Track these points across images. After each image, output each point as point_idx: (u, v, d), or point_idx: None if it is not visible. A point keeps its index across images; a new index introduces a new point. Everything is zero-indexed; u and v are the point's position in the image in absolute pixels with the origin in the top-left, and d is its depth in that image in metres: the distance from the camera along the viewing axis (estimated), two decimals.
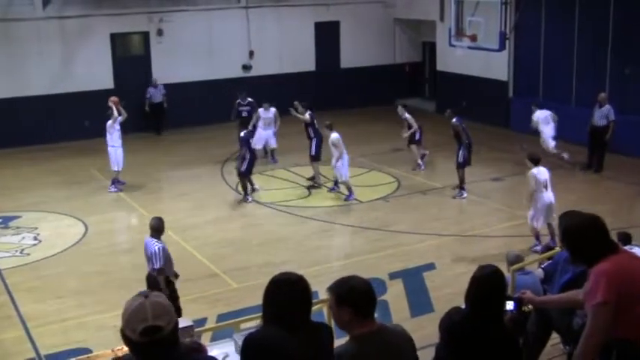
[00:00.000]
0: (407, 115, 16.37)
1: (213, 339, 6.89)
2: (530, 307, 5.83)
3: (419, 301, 9.85)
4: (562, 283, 6.46)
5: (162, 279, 8.49)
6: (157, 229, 8.61)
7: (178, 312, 8.07)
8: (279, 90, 18.85)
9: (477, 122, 18.55)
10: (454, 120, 14.31)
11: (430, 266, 11.11)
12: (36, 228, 13.30)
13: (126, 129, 15.93)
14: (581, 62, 18.41)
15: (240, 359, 3.92)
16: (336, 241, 13.10)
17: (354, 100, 22.80)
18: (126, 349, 3.03)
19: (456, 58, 19.87)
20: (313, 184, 15.43)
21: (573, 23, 18.37)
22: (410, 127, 16.34)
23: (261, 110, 17.09)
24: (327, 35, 22.95)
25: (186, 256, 11.43)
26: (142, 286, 8.42)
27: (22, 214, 14.01)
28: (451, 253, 11.75)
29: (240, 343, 5.07)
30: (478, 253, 11.57)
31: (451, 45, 18.53)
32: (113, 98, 15.45)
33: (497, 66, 20.09)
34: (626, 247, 6.82)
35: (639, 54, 17.11)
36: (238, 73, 21.74)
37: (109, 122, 15.02)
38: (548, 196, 11.25)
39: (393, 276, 10.68)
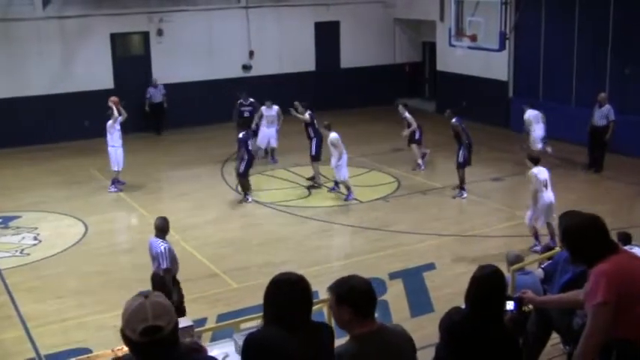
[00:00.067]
0: (407, 114, 16.39)
1: (213, 339, 6.89)
2: (530, 307, 5.84)
3: (419, 301, 9.84)
4: (562, 283, 6.46)
5: (170, 279, 8.50)
6: (162, 229, 8.61)
7: (183, 312, 8.09)
8: (279, 90, 18.85)
9: (477, 122, 18.55)
10: (454, 120, 14.31)
11: (430, 266, 11.11)
12: (36, 228, 13.30)
13: (126, 129, 15.93)
14: (581, 62, 18.41)
15: (240, 359, 3.92)
16: (336, 241, 13.11)
17: (354, 100, 22.80)
18: (126, 349, 3.02)
19: (456, 58, 19.87)
20: (313, 184, 15.43)
21: (573, 23, 18.37)
22: (409, 125, 16.36)
23: (263, 108, 17.13)
24: (327, 35, 22.95)
25: (186, 256, 11.41)
26: (142, 286, 8.39)
27: (22, 214, 14.01)
28: (451, 253, 11.76)
29: (240, 343, 5.08)
30: (478, 253, 11.57)
31: (451, 45, 18.53)
32: (113, 98, 15.45)
33: (497, 66, 20.10)
34: (626, 247, 6.82)
35: (639, 54, 17.11)
36: (238, 73, 21.74)
37: (110, 122, 15.02)
38: (549, 195, 11.25)
39: (393, 276, 10.68)
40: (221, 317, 9.22)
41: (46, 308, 9.99)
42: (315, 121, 15.44)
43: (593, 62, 18.07)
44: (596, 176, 15.74)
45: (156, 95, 20.31)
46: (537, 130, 16.08)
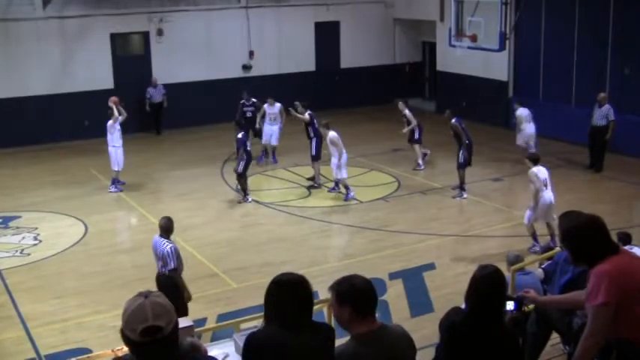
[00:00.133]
0: (406, 111, 16.41)
1: (213, 339, 6.89)
2: (530, 306, 5.84)
3: (419, 301, 9.84)
4: (562, 284, 6.46)
5: (180, 278, 8.54)
6: (167, 228, 8.62)
7: (185, 312, 8.11)
8: (279, 90, 18.85)
9: (477, 122, 18.55)
10: (453, 120, 14.31)
11: (430, 266, 11.11)
12: (36, 228, 13.30)
13: (126, 129, 15.92)
14: (581, 62, 18.41)
15: (241, 358, 3.92)
16: (336, 241, 13.11)
17: (354, 100, 22.80)
18: (126, 349, 3.02)
19: (455, 58, 19.86)
20: (313, 184, 15.43)
21: (573, 23, 18.37)
22: (409, 123, 16.37)
23: (266, 106, 17.17)
24: (327, 35, 22.95)
25: (186, 256, 11.34)
26: (143, 286, 8.36)
27: (22, 214, 14.01)
28: (451, 253, 11.76)
29: (240, 343, 5.08)
30: (478, 253, 11.57)
31: (451, 45, 18.52)
32: (113, 98, 15.44)
33: (497, 66, 20.10)
34: (626, 247, 6.82)
35: (639, 54, 17.11)
36: (238, 73, 21.74)
37: (110, 122, 15.01)
38: (548, 195, 11.25)
39: (393, 276, 10.67)
40: (221, 317, 9.21)
41: (46, 308, 9.98)
42: (315, 121, 15.44)
43: (593, 62, 18.07)
44: (596, 176, 15.75)
45: (156, 95, 20.31)
46: (529, 128, 16.31)
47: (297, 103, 16.00)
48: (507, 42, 17.65)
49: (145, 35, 20.70)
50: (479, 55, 18.88)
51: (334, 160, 14.27)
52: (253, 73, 21.84)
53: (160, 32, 20.61)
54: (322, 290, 6.80)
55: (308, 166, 15.82)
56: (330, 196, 14.84)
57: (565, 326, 6.10)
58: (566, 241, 4.56)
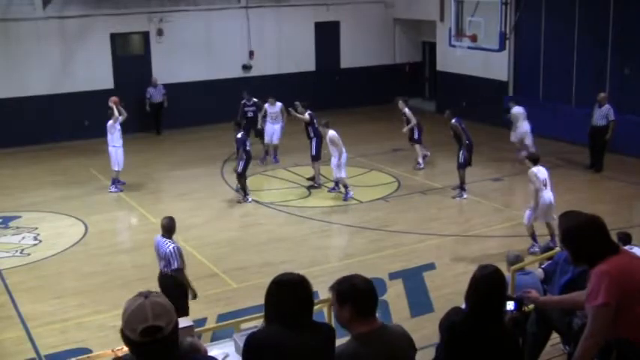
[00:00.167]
0: (406, 110, 16.42)
1: (213, 339, 6.89)
2: (530, 306, 5.84)
3: (419, 301, 9.84)
4: (562, 284, 6.46)
5: (185, 277, 8.58)
6: (169, 228, 8.64)
7: (186, 312, 8.12)
8: (279, 90, 18.85)
9: (477, 122, 18.55)
10: (453, 121, 14.31)
11: (430, 266, 11.11)
12: (36, 228, 13.30)
13: (126, 129, 15.91)
14: (581, 62, 18.41)
15: (242, 358, 3.92)
16: (336, 241, 13.11)
17: (354, 100, 22.81)
18: (126, 349, 3.02)
19: (455, 58, 19.86)
20: (313, 184, 15.43)
21: (573, 23, 18.37)
22: (408, 122, 16.38)
23: (267, 105, 17.20)
24: (327, 35, 22.95)
25: (186, 256, 11.32)
26: (143, 286, 8.35)
27: (22, 214, 14.01)
28: (451, 253, 11.76)
29: (240, 343, 5.08)
30: (478, 253, 11.57)
31: (451, 45, 18.53)
32: (113, 98, 15.44)
33: (497, 66, 20.09)
34: (626, 247, 6.82)
35: (639, 54, 17.11)
36: (238, 73, 21.74)
37: (110, 122, 15.01)
38: (548, 195, 11.24)
39: (393, 276, 10.67)
40: (221, 317, 9.22)
41: (46, 308, 9.98)
42: (315, 121, 15.44)
43: (593, 62, 18.07)
44: (596, 176, 15.75)
45: (156, 95, 20.31)
46: (524, 126, 16.57)
47: (297, 103, 16.00)
48: (507, 42, 17.66)
49: (145, 35, 20.70)
50: (479, 55, 18.88)
51: (334, 160, 14.27)
52: (253, 73, 21.84)
53: (159, 32, 20.61)
54: (322, 290, 6.80)
55: (308, 166, 15.83)
56: (330, 196, 14.83)
57: (565, 326, 6.10)
58: (566, 241, 4.56)
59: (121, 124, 15.19)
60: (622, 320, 4.29)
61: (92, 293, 10.42)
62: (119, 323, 2.97)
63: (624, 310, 4.27)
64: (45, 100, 19.38)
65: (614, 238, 5.76)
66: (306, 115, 15.49)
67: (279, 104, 17.13)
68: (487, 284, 4.27)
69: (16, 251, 12.22)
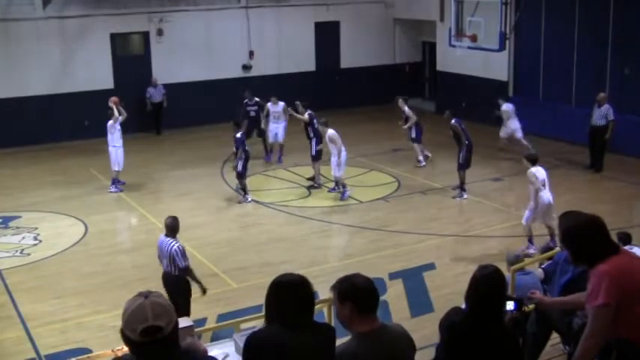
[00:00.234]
0: (406, 108, 16.43)
1: (213, 339, 6.89)
2: (530, 306, 5.84)
3: (419, 301, 9.84)
4: (562, 284, 6.46)
5: (194, 274, 8.67)
6: (173, 228, 8.67)
7: (188, 312, 8.13)
8: (279, 90, 18.86)
9: (477, 122, 18.55)
10: (453, 121, 14.30)
11: (430, 266, 11.11)
12: (36, 228, 13.30)
13: (126, 129, 15.91)
14: (581, 62, 18.41)
15: (242, 358, 3.93)
16: (336, 241, 13.11)
17: (354, 100, 22.81)
18: (126, 349, 3.02)
19: (455, 58, 19.85)
20: (313, 184, 15.43)
21: (573, 23, 18.36)
22: (407, 120, 16.40)
23: (269, 104, 17.25)
24: (327, 35, 22.95)
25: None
26: (143, 286, 8.36)
27: (22, 214, 14.01)
28: (451, 253, 11.76)
29: (240, 343, 5.08)
30: (478, 253, 11.56)
31: (451, 45, 18.52)
32: (113, 98, 15.44)
33: (497, 66, 20.09)
34: (626, 247, 6.82)
35: (639, 54, 17.11)
36: (238, 73, 21.74)
37: (110, 122, 15.01)
38: (547, 195, 11.23)
39: (393, 276, 10.67)
40: (221, 317, 9.22)
41: (46, 308, 9.98)
42: (315, 121, 15.44)
43: (593, 62, 18.07)
44: (596, 176, 15.74)
45: (156, 95, 20.31)
46: (513, 123, 17.09)
47: (297, 103, 16.01)
48: (507, 42, 17.65)
49: (145, 35, 20.70)
50: (479, 55, 18.88)
51: (334, 159, 14.28)
52: (253, 73, 21.84)
53: (160, 32, 20.61)
54: (322, 290, 6.81)
55: (308, 166, 15.83)
56: (330, 196, 14.83)
57: (565, 326, 6.10)
58: (566, 241, 4.56)
59: (121, 124, 15.19)
60: (622, 320, 4.29)
61: (92, 293, 10.42)
62: (119, 323, 2.97)
63: (624, 310, 4.27)
64: (45, 100, 19.38)
65: (614, 238, 5.76)
66: (306, 116, 15.48)
67: (281, 103, 17.17)
68: (487, 284, 4.27)
69: (16, 251, 12.22)
